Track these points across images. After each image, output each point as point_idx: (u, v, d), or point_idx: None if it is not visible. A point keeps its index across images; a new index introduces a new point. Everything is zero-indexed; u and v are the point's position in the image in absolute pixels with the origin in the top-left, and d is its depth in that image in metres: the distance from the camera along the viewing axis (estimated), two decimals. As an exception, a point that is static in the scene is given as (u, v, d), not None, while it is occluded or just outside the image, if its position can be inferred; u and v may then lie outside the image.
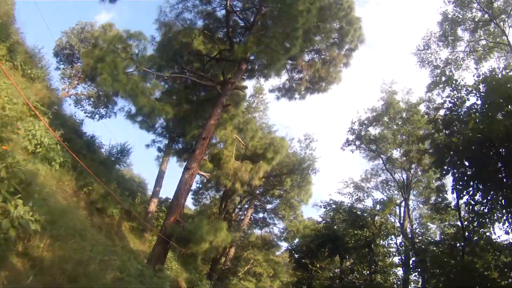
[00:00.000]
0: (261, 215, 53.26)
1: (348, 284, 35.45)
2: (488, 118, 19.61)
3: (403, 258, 34.05)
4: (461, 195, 21.45)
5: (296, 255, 40.96)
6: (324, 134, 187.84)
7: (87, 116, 38.63)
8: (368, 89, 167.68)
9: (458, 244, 24.18)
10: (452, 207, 25.37)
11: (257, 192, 46.72)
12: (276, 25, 23.10)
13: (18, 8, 31.51)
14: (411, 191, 38.08)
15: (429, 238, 32.48)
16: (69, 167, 20.78)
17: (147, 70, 22.42)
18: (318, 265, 38.39)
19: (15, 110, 17.28)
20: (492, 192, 20.03)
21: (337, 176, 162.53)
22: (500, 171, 19.80)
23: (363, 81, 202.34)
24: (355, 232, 34.80)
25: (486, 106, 20.23)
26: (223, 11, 26.65)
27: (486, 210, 20.85)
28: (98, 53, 20.71)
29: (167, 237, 19.57)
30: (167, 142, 34.10)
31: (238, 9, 27.51)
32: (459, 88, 21.91)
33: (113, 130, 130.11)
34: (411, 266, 32.06)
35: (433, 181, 35.20)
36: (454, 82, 22.32)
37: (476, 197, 20.74)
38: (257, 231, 54.98)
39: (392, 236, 35.89)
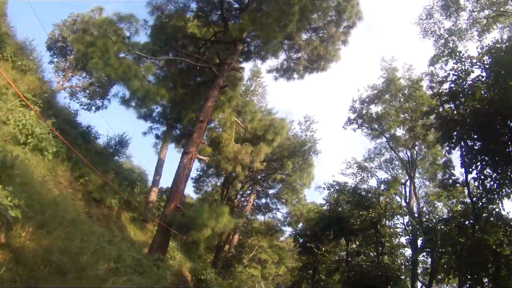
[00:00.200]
0: (263, 200, 52.96)
1: (355, 266, 34.81)
2: (495, 88, 19.02)
3: (411, 238, 33.57)
4: (470, 170, 20.89)
5: (300, 240, 40.53)
6: (324, 116, 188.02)
7: (83, 108, 38.25)
8: (368, 69, 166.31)
9: (467, 222, 23.65)
10: (460, 183, 24.65)
11: (259, 177, 46.42)
12: (271, 2, 22.36)
13: (11, 5, 30.76)
14: (416, 169, 37.34)
15: (437, 217, 31.84)
16: (64, 157, 20.17)
17: (141, 54, 21.73)
18: (323, 249, 38.00)
19: (3, 100, 16.68)
20: (501, 167, 19.44)
21: (338, 158, 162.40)
22: (509, 144, 19.16)
23: (362, 61, 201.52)
24: (360, 213, 34.33)
25: (492, 77, 19.66)
26: (217, -8, 25.91)
27: (495, 186, 20.28)
28: (89, 39, 20.10)
29: (167, 225, 18.98)
30: (165, 129, 33.45)
31: (232, -11, 26.72)
32: (463, 60, 21.28)
33: (111, 121, 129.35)
34: (419, 246, 31.60)
35: (439, 158, 34.73)
36: (457, 54, 21.69)
37: (485, 172, 20.18)
38: (260, 217, 54.86)
39: (398, 216, 35.47)
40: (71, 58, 37.27)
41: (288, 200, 48.60)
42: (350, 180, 41.13)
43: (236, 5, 27.34)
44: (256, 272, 51.06)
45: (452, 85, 21.56)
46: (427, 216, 32.78)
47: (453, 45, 25.56)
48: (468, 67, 21.07)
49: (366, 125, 38.63)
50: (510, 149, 19.08)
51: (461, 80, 21.14)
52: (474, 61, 20.87)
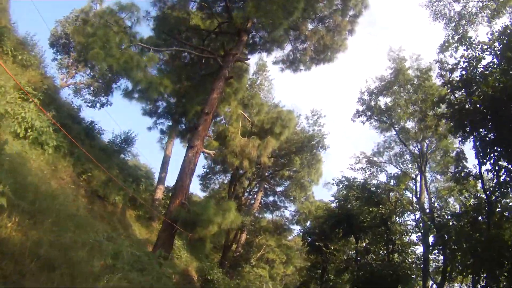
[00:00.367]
0: (271, 198, 52.24)
1: (365, 265, 34.29)
2: (508, 75, 18.48)
3: (422, 235, 32.90)
4: (484, 161, 20.32)
5: (309, 238, 39.95)
6: (329, 110, 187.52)
7: (87, 105, 38.15)
8: (373, 62, 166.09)
9: (480, 217, 23.11)
10: (473, 176, 24.01)
11: (266, 174, 45.89)
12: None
13: (13, 4, 30.49)
14: (427, 163, 36.69)
15: (449, 212, 31.22)
16: (65, 152, 19.70)
17: (144, 45, 21.20)
18: (332, 248, 37.34)
19: (1, 92, 16.18)
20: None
21: (344, 153, 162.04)
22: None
23: (367, 54, 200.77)
24: (370, 209, 33.81)
25: (503, 64, 19.19)
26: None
27: (508, 179, 19.77)
28: (90, 30, 19.60)
29: (172, 222, 18.38)
30: (170, 124, 33.02)
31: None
32: (474, 46, 20.81)
33: (116, 119, 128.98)
34: (430, 243, 31.04)
35: (450, 151, 34.13)
36: (468, 40, 21.22)
37: (499, 163, 19.63)
38: (268, 216, 54.14)
39: (409, 213, 34.90)
40: (74, 55, 36.99)
41: (296, 197, 47.98)
42: (359, 175, 40.70)
43: (240, -5, 26.73)
44: (264, 272, 50.64)
45: (463, 72, 21.10)
46: (438, 212, 32.18)
47: (463, 31, 25.08)
48: (479, 53, 20.65)
49: (375, 117, 37.88)
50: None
51: (472, 68, 20.67)
52: (485, 47, 20.46)
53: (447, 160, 35.51)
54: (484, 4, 28.02)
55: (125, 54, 19.05)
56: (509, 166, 19.50)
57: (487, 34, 20.73)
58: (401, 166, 40.34)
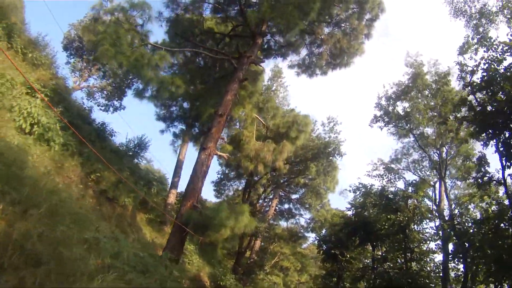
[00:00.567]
0: (286, 206, 51.88)
1: (381, 274, 33.64)
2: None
3: (441, 243, 32.14)
4: (508, 165, 19.58)
5: (324, 246, 39.31)
6: (345, 117, 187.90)
7: (100, 109, 38.00)
8: (388, 72, 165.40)
9: (502, 224, 22.39)
10: (496, 181, 23.23)
11: (281, 181, 45.44)
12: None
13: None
14: (447, 169, 36.08)
15: (470, 219, 30.41)
16: (74, 151, 19.30)
17: (155, 45, 20.76)
18: (348, 256, 36.63)
19: (5, 86, 15.76)
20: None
21: (358, 161, 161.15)
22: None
23: (382, 64, 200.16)
24: (388, 216, 32.96)
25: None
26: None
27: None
28: (100, 28, 19.20)
29: (183, 225, 17.76)
30: (183, 127, 32.65)
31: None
32: (495, 46, 20.21)
33: (130, 124, 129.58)
34: (450, 251, 30.27)
35: (471, 156, 33.44)
36: (488, 40, 20.66)
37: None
38: (283, 223, 53.81)
39: (427, 221, 34.15)
40: (86, 57, 36.80)
41: (311, 205, 47.50)
42: (376, 182, 40.11)
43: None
44: (278, 279, 50.41)
45: (484, 74, 20.48)
46: (458, 219, 31.36)
47: (484, 31, 24.49)
48: (500, 54, 20.12)
49: (393, 123, 37.35)
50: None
51: (493, 69, 20.07)
52: (506, 48, 19.89)
53: (468, 165, 34.86)
54: (504, 3, 27.35)
55: (136, 52, 18.71)
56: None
57: (507, 35, 20.24)
58: (419, 173, 39.97)
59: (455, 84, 31.64)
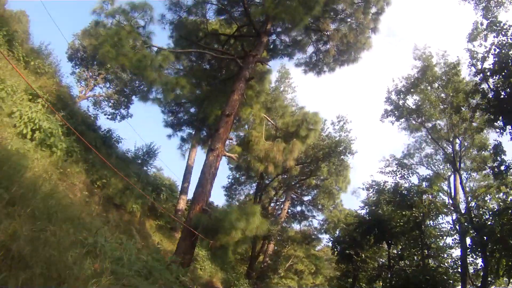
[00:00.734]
0: (298, 208, 51.43)
1: (398, 272, 33.19)
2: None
3: (458, 237, 31.62)
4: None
5: (338, 247, 38.73)
6: (354, 115, 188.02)
7: (107, 118, 38.11)
8: (394, 70, 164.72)
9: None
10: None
11: (293, 183, 45.07)
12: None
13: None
14: (461, 160, 35.41)
15: (487, 211, 29.80)
16: (78, 158, 18.95)
17: (158, 46, 20.41)
18: (363, 255, 36.12)
19: (5, 91, 15.41)
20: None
21: (366, 157, 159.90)
22: None
23: (387, 63, 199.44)
24: (403, 213, 32.37)
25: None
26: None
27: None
28: (102, 31, 18.90)
29: (192, 229, 17.25)
30: (191, 131, 32.29)
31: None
32: (505, 30, 19.74)
33: (138, 132, 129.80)
34: (468, 246, 29.66)
35: (485, 147, 32.88)
36: (498, 24, 20.18)
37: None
38: (296, 226, 53.35)
39: (443, 215, 33.56)
40: (91, 67, 36.62)
41: (324, 206, 47.00)
42: (389, 178, 39.67)
43: (258, 0, 25.96)
44: (293, 283, 50.27)
45: (496, 59, 19.98)
46: (475, 212, 30.75)
47: (492, 15, 23.91)
48: (511, 39, 19.64)
49: (405, 117, 37.03)
50: None
51: (505, 54, 19.59)
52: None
53: (483, 155, 34.46)
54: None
55: (138, 53, 18.33)
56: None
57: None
58: (433, 167, 39.63)
59: (465, 74, 31.15)
